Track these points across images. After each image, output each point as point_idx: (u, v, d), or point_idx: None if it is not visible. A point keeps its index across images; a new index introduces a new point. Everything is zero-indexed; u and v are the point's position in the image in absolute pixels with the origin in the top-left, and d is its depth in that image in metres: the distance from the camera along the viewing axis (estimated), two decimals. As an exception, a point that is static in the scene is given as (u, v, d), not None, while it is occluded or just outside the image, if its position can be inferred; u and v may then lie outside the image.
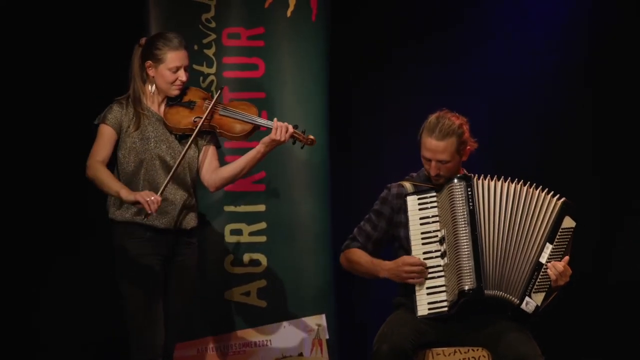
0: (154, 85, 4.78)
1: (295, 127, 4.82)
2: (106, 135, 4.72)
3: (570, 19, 5.90)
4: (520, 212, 4.58)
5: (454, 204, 4.56)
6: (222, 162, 5.02)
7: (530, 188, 4.61)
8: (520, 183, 4.61)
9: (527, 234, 4.57)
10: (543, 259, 4.56)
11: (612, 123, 5.90)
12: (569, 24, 5.90)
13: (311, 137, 4.85)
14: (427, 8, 5.94)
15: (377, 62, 5.97)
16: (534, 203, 4.59)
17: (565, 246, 4.59)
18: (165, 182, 4.68)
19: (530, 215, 4.58)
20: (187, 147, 4.73)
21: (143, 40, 4.81)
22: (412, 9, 5.94)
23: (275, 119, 4.82)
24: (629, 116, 5.89)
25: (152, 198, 4.56)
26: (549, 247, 4.57)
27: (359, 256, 4.75)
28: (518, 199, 4.59)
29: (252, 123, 4.82)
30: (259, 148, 4.81)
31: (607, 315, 5.84)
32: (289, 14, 5.62)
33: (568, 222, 4.60)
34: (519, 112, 5.92)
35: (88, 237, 5.72)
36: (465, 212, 4.55)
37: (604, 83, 5.88)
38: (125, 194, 4.59)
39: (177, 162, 4.71)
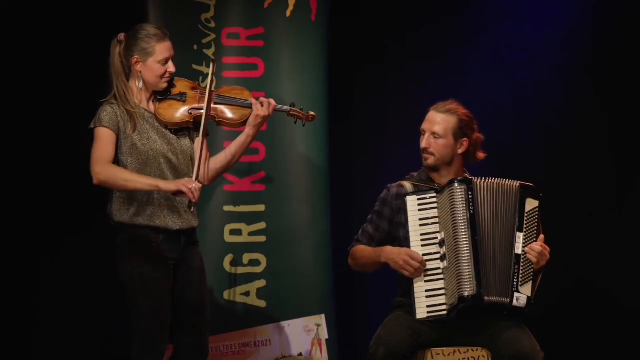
0: (142, 80, 4.60)
1: (292, 105, 4.73)
2: (106, 136, 4.50)
3: (572, 20, 5.89)
4: (501, 208, 4.55)
5: (454, 207, 4.54)
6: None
7: (498, 180, 4.58)
8: (494, 179, 4.58)
9: (505, 229, 4.54)
10: (519, 250, 4.52)
11: (614, 124, 5.89)
12: (571, 25, 5.89)
13: (312, 113, 4.75)
14: (428, 8, 5.93)
15: (377, 62, 5.96)
16: (503, 195, 4.56)
17: (535, 229, 4.56)
18: (195, 170, 4.50)
19: (504, 209, 4.55)
20: (201, 135, 4.56)
21: (122, 36, 4.60)
22: (412, 9, 5.94)
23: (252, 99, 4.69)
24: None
25: (194, 185, 4.41)
26: (520, 237, 4.53)
27: (362, 250, 4.76)
28: (497, 196, 4.56)
29: (250, 107, 4.67)
30: (247, 131, 4.66)
31: (606, 315, 5.84)
32: (288, 13, 5.62)
33: (531, 204, 4.56)
34: (519, 112, 5.92)
35: (82, 237, 5.74)
36: (466, 217, 4.53)
37: (607, 84, 5.87)
38: (164, 184, 4.42)
39: (200, 154, 4.54)
